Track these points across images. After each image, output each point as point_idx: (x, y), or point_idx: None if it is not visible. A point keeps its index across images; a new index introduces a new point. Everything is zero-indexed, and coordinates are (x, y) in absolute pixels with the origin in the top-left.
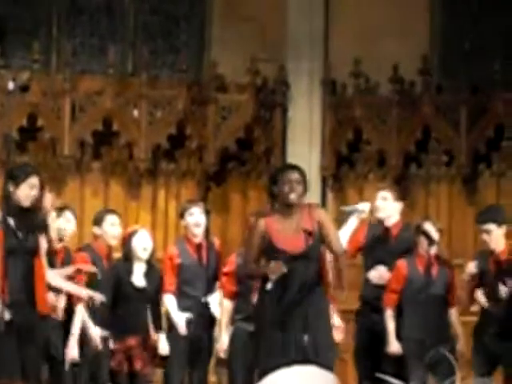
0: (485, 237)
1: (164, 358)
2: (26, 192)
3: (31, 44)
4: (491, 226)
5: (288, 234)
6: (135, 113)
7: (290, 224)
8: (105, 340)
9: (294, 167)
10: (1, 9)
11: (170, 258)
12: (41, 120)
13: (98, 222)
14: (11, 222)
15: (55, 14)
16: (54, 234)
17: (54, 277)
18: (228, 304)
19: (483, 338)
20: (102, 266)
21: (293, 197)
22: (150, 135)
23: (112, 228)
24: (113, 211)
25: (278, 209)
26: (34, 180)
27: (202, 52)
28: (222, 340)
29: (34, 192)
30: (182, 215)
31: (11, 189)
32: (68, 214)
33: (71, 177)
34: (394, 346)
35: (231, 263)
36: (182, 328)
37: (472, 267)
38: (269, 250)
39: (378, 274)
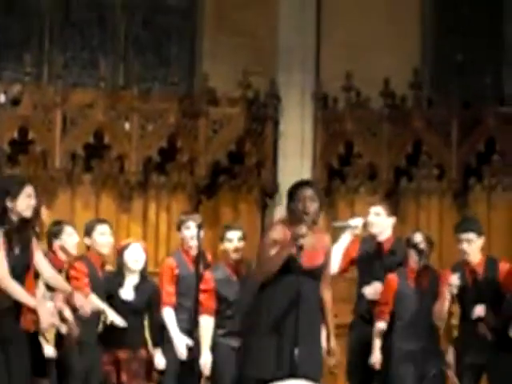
0: (464, 246)
1: (162, 373)
2: (25, 202)
3: (22, 57)
4: (471, 236)
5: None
6: (126, 126)
7: (306, 241)
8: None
9: (308, 183)
10: None
11: (170, 269)
12: (32, 133)
13: (88, 232)
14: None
15: (47, 27)
16: (59, 252)
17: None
18: (208, 320)
19: (467, 350)
20: (97, 276)
21: (307, 219)
22: (141, 148)
23: (102, 237)
24: (103, 220)
25: (294, 224)
26: (29, 189)
27: (193, 65)
28: (205, 356)
29: (33, 201)
30: (178, 228)
31: (9, 203)
32: (68, 229)
33: (62, 189)
34: (375, 358)
35: (208, 280)
36: (182, 355)
37: (455, 279)
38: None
39: (374, 289)
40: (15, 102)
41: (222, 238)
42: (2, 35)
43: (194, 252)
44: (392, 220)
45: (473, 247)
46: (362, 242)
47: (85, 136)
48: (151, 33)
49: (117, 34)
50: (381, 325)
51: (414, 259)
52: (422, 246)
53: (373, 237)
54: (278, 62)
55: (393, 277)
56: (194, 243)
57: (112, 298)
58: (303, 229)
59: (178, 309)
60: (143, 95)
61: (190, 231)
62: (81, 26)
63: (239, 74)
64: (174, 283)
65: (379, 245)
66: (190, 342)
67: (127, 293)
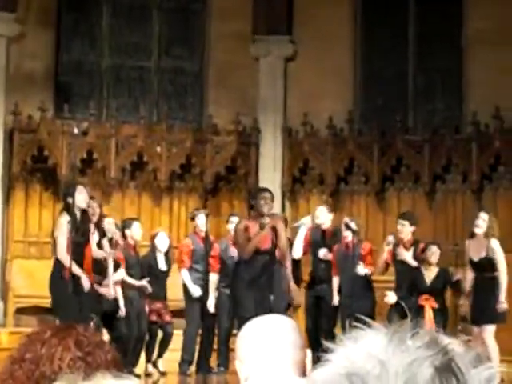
0: (399, 228)
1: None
2: (80, 198)
3: (89, 103)
4: (405, 222)
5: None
6: (158, 149)
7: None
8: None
9: (265, 189)
10: (69, 80)
11: (186, 246)
12: (95, 154)
13: (127, 226)
14: (76, 222)
15: (105, 83)
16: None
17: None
18: (214, 276)
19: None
20: (130, 254)
21: (265, 209)
22: (168, 164)
23: (138, 230)
24: (136, 219)
25: (256, 217)
26: (80, 188)
27: (202, 109)
28: (210, 300)
29: (85, 196)
30: (192, 219)
31: (70, 200)
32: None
33: (115, 192)
34: (335, 300)
35: (215, 249)
36: (196, 294)
37: (391, 239)
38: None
39: (324, 253)
40: (84, 133)
41: (227, 221)
42: (75, 89)
43: (202, 234)
44: (331, 215)
45: (404, 230)
46: (312, 232)
47: (130, 156)
48: (175, 87)
49: (152, 87)
50: (335, 278)
51: (348, 236)
52: (354, 227)
53: (319, 227)
54: (259, 107)
55: (335, 247)
56: (203, 228)
57: (152, 269)
58: (266, 219)
59: (193, 271)
60: (169, 129)
61: (201, 220)
62: (128, 82)
63: (233, 114)
64: (189, 255)
65: (323, 232)
66: (198, 290)
67: (162, 265)
